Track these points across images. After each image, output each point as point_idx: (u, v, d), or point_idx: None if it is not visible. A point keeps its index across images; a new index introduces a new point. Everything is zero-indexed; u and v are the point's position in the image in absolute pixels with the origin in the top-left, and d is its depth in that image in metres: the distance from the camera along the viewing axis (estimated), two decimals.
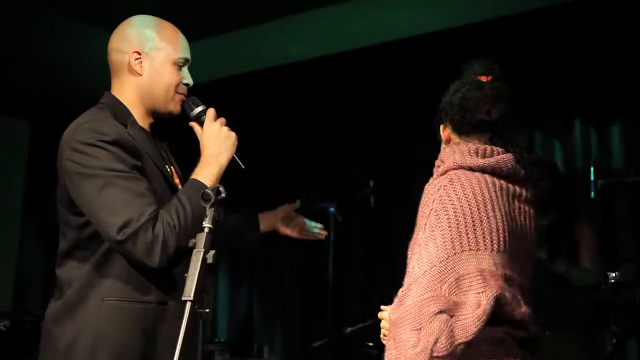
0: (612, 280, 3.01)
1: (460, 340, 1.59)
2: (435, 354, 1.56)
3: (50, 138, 6.04)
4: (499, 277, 1.70)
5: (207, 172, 1.94)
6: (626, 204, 3.83)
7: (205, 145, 1.98)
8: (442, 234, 1.69)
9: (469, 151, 1.81)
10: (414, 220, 4.83)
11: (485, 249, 1.71)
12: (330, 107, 4.91)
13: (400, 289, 1.70)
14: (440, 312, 1.61)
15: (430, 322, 1.59)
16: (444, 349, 1.57)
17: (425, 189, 1.80)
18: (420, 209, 1.76)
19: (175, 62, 2.03)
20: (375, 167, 4.62)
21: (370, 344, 3.95)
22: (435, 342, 1.57)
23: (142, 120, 2.04)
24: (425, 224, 1.72)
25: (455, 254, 1.68)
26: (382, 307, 1.93)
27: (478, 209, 1.72)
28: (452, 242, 1.69)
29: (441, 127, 1.94)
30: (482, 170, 1.79)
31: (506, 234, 1.74)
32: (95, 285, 1.88)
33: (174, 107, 2.05)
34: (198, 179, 1.93)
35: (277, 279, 4.94)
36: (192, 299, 1.54)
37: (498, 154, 1.82)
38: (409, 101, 4.53)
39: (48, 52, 5.08)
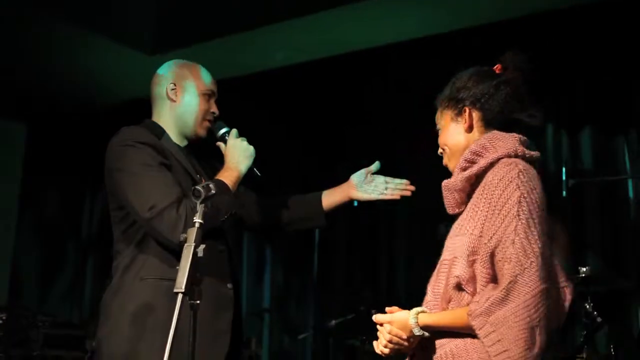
0: (582, 275, 3.02)
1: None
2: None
3: (45, 139, 6.09)
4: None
5: (228, 174, 2.14)
6: (595, 202, 3.85)
7: (228, 155, 2.20)
8: (535, 223, 1.58)
9: (519, 141, 1.72)
10: (394, 215, 4.80)
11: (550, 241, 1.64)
12: (319, 108, 4.91)
13: (503, 280, 1.55)
14: (549, 307, 1.53)
15: (545, 319, 1.52)
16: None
17: (491, 176, 1.66)
18: (497, 195, 1.62)
19: (204, 93, 2.27)
20: (358, 167, 4.62)
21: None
22: (547, 341, 1.51)
23: (176, 140, 2.26)
24: (519, 211, 1.58)
25: (545, 243, 1.59)
26: (387, 309, 1.77)
27: (544, 200, 1.63)
28: (542, 232, 1.58)
29: (466, 110, 1.79)
30: (530, 162, 1.71)
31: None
32: (134, 268, 2.07)
33: (202, 131, 2.27)
34: (220, 179, 2.11)
35: (264, 276, 4.93)
36: (182, 290, 1.55)
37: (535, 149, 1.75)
38: (390, 104, 4.54)
39: (46, 57, 5.04)
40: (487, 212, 1.63)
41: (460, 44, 4.28)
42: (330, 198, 2.41)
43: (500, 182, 1.63)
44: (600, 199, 3.84)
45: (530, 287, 1.52)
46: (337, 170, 4.41)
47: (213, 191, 1.64)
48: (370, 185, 2.42)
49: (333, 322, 4.09)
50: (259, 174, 2.25)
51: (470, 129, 1.79)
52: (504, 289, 1.53)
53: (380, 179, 2.43)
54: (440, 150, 1.88)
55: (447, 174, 1.87)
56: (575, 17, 3.99)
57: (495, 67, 1.83)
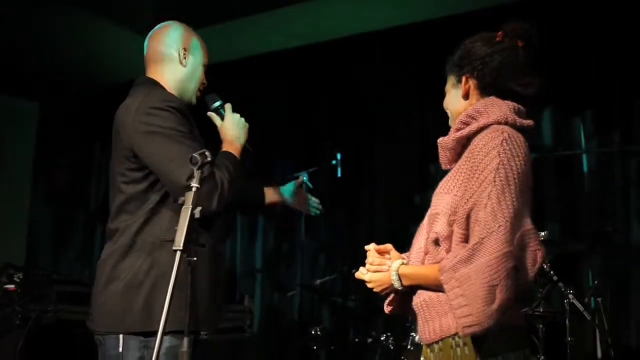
0: (542, 238, 3.03)
1: (516, 297, 1.51)
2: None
3: (56, 116, 6.05)
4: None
5: (234, 148, 2.09)
6: (553, 174, 3.88)
7: (227, 129, 2.12)
8: (510, 190, 1.53)
9: (513, 108, 1.65)
10: (374, 187, 4.80)
11: (529, 207, 1.61)
12: (305, 92, 4.88)
13: (471, 240, 1.53)
14: (514, 268, 1.49)
15: (507, 278, 1.48)
16: (510, 305, 1.49)
17: (477, 140, 1.61)
18: (479, 160, 1.57)
19: (204, 64, 2.19)
20: (341, 144, 4.63)
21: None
22: (509, 299, 1.47)
23: None
24: (495, 178, 1.53)
25: (519, 209, 1.54)
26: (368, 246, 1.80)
27: (527, 168, 1.58)
28: (517, 198, 1.53)
29: (463, 78, 1.72)
30: (521, 130, 1.64)
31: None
32: (149, 230, 1.96)
33: (194, 99, 2.19)
34: (230, 152, 2.07)
35: (257, 239, 4.94)
36: (181, 248, 1.55)
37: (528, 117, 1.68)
38: (370, 89, 4.53)
39: (55, 41, 4.98)
40: (468, 174, 1.60)
41: (447, 30, 4.26)
42: (269, 197, 2.40)
43: (483, 148, 1.58)
44: (558, 172, 3.87)
45: (494, 248, 1.49)
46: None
47: (208, 158, 1.63)
48: (299, 197, 2.46)
49: (318, 281, 4.13)
50: (251, 149, 2.18)
51: (466, 96, 1.72)
52: (470, 248, 1.51)
53: (306, 194, 2.51)
54: (445, 107, 1.82)
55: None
56: (536, 3, 3.98)
57: (497, 33, 1.74)
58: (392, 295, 1.77)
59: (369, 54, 4.60)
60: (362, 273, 1.78)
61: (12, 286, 3.57)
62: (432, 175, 4.01)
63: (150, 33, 2.20)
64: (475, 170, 1.57)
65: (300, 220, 4.40)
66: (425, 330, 1.65)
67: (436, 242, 1.63)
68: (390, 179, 4.36)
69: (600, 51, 3.81)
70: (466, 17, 4.18)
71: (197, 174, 1.62)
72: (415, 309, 1.69)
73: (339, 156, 3.90)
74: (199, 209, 1.58)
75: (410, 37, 4.41)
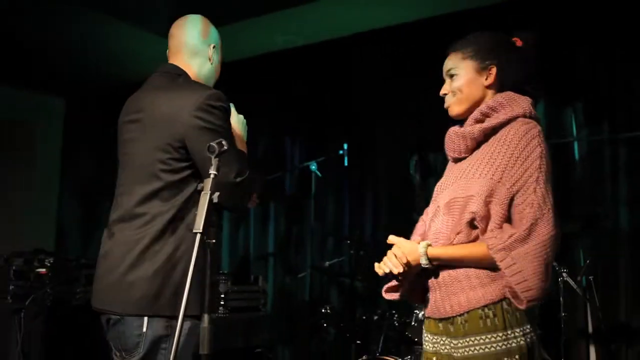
0: None
1: None
2: None
3: (81, 112, 6.06)
4: None
5: (242, 145, 2.09)
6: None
7: (234, 128, 2.08)
8: (549, 177, 1.60)
9: (532, 103, 1.70)
10: (377, 175, 4.77)
11: None
12: (313, 88, 4.87)
13: (525, 222, 1.55)
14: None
15: (554, 258, 1.55)
16: None
17: (512, 130, 1.64)
18: (521, 147, 1.61)
19: (222, 62, 2.16)
20: (347, 135, 4.63)
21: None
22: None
23: None
24: (540, 165, 1.59)
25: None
26: (390, 237, 1.75)
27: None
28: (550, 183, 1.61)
29: (494, 69, 1.72)
30: (537, 122, 1.69)
31: None
32: (183, 218, 1.91)
33: None
34: (243, 151, 2.07)
35: (268, 226, 4.95)
36: (201, 231, 1.55)
37: None
38: (375, 83, 4.51)
39: (80, 42, 4.98)
40: (508, 161, 1.61)
41: (439, 29, 4.25)
42: None
43: (523, 137, 1.61)
44: (551, 159, 3.85)
45: (548, 229, 1.54)
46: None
47: (225, 147, 1.63)
48: None
49: (327, 263, 4.13)
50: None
51: (491, 86, 1.73)
52: (526, 229, 1.54)
53: None
54: (445, 92, 1.79)
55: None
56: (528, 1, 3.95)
57: (514, 39, 1.77)
58: (393, 282, 1.78)
59: (370, 51, 4.58)
60: (393, 238, 1.75)
61: (43, 270, 3.59)
62: (430, 163, 4.02)
63: (183, 21, 2.09)
64: (518, 157, 1.60)
65: (310, 206, 4.40)
66: (447, 304, 1.65)
67: (471, 223, 1.63)
68: (391, 167, 4.35)
69: (590, 47, 3.79)
70: (455, 16, 4.17)
71: (214, 162, 1.62)
72: (433, 285, 1.69)
73: (345, 146, 3.90)
74: (217, 194, 1.58)
75: (407, 35, 4.40)
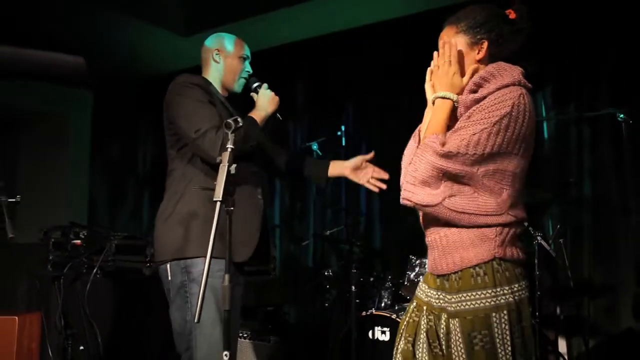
0: None
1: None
2: None
3: (108, 103, 6.02)
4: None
5: (257, 114, 2.12)
6: None
7: (259, 100, 2.18)
8: (502, 136, 1.43)
9: (522, 72, 1.54)
10: (373, 153, 4.65)
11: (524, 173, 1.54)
12: (315, 77, 4.79)
13: (449, 140, 1.45)
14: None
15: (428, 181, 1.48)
16: None
17: (495, 94, 1.48)
18: (490, 103, 1.46)
19: (240, 57, 2.24)
20: (345, 118, 4.58)
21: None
22: None
23: (220, 91, 2.23)
24: (497, 122, 1.43)
25: (494, 155, 1.45)
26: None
27: (532, 126, 1.49)
28: (500, 146, 1.44)
29: (485, 43, 1.57)
30: (528, 92, 1.52)
31: None
32: (184, 180, 2.04)
33: (237, 86, 2.25)
34: (251, 115, 2.11)
35: (275, 200, 4.89)
36: (220, 199, 1.49)
37: None
38: (375, 75, 4.44)
39: (106, 40, 4.89)
40: (474, 110, 1.50)
41: (427, 23, 4.16)
42: (333, 170, 2.34)
43: (499, 97, 1.46)
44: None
45: (458, 165, 1.45)
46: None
47: (240, 124, 1.56)
48: (361, 172, 2.32)
49: (327, 231, 4.09)
50: (280, 117, 2.22)
51: (482, 59, 1.58)
52: (445, 151, 1.45)
53: (370, 168, 2.31)
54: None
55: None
56: None
57: (507, 11, 1.61)
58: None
59: (366, 44, 4.50)
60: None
61: (78, 241, 3.56)
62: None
63: None
64: (484, 109, 1.47)
65: (312, 181, 4.35)
66: (443, 262, 1.56)
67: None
68: (384, 146, 4.29)
69: (557, 37, 3.70)
70: (445, 11, 4.06)
71: (231, 136, 1.55)
72: (432, 244, 1.61)
73: (343, 128, 3.86)
74: (234, 165, 1.52)
75: (401, 28, 4.31)
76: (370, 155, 2.33)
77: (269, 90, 2.19)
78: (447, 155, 1.45)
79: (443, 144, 1.46)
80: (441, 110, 1.55)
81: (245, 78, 2.26)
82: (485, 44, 1.58)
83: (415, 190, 1.49)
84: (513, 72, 1.53)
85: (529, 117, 1.48)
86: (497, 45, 1.59)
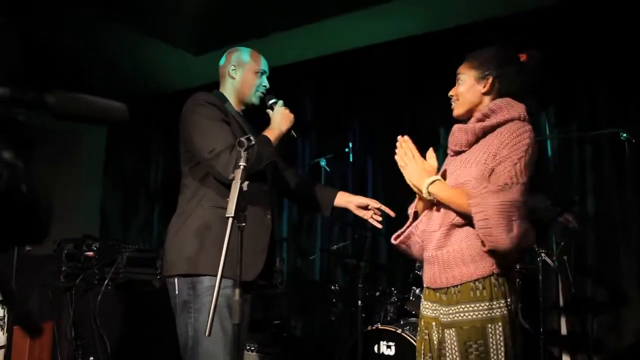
0: None
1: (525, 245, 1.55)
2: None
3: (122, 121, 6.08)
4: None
5: (271, 132, 2.07)
6: None
7: (273, 118, 2.13)
8: (528, 167, 1.55)
9: (525, 109, 1.66)
10: (378, 169, 4.70)
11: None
12: (326, 96, 4.80)
13: (500, 181, 1.50)
14: (526, 214, 1.51)
15: (523, 218, 1.50)
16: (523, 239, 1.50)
17: (508, 128, 1.59)
18: (512, 138, 1.56)
19: (257, 71, 2.19)
20: (352, 135, 4.59)
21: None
22: (523, 235, 1.49)
23: (235, 107, 2.18)
24: (526, 151, 1.54)
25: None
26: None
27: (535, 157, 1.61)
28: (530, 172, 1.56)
29: (490, 79, 1.69)
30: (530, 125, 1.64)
31: None
32: (196, 198, 2.01)
33: (255, 100, 2.19)
34: (265, 134, 2.06)
35: (283, 213, 4.88)
36: (232, 215, 1.49)
37: None
38: (380, 93, 4.45)
39: (123, 59, 4.96)
40: (499, 146, 1.58)
41: (432, 44, 4.17)
42: (340, 201, 2.31)
43: (516, 131, 1.58)
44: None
45: (518, 193, 1.49)
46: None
47: (253, 142, 1.56)
48: (367, 211, 2.31)
49: (334, 246, 4.07)
50: (294, 135, 2.19)
51: (487, 93, 1.71)
52: (500, 186, 1.49)
53: (372, 211, 2.29)
54: (451, 95, 1.77)
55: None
56: (509, 19, 3.88)
57: (521, 54, 1.73)
58: (405, 228, 1.76)
59: (371, 63, 4.52)
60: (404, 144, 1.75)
61: (91, 253, 3.56)
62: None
63: None
64: (508, 144, 1.57)
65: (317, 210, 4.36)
66: (443, 277, 1.61)
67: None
68: (390, 163, 4.29)
69: (561, 61, 3.70)
70: (446, 33, 4.10)
71: (243, 154, 1.55)
72: (431, 260, 1.65)
73: (350, 145, 3.86)
74: (247, 182, 1.52)
75: (405, 48, 4.33)
76: (380, 206, 2.27)
77: (283, 108, 2.15)
78: (503, 189, 1.51)
79: (486, 187, 1.53)
80: (443, 189, 1.64)
81: (262, 93, 2.21)
82: (490, 80, 1.70)
83: (497, 235, 1.48)
84: (518, 108, 1.65)
85: (535, 151, 1.61)
86: (501, 82, 1.69)
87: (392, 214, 2.25)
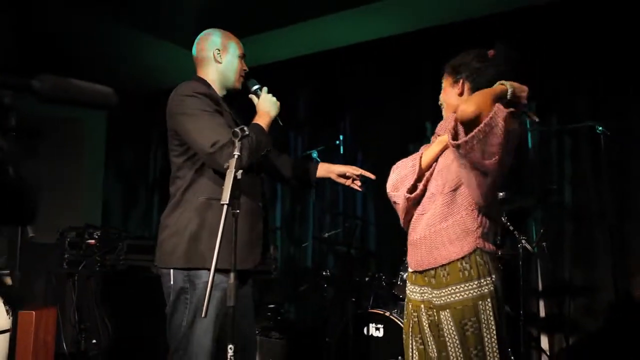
0: (500, 197, 2.96)
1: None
2: None
3: (121, 113, 6.02)
4: None
5: (262, 120, 1.99)
6: None
7: (261, 105, 2.04)
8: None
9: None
10: (367, 162, 4.73)
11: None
12: (318, 91, 4.78)
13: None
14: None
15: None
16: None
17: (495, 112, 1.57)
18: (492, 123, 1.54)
19: (240, 55, 2.10)
20: (343, 128, 4.59)
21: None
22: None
23: (218, 92, 2.07)
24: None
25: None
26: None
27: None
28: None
29: (460, 81, 1.74)
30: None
31: None
32: (192, 189, 1.93)
33: (238, 85, 2.10)
34: (258, 122, 1.98)
35: (276, 203, 4.88)
36: (227, 202, 1.48)
37: None
38: (370, 88, 4.44)
39: (121, 56, 4.92)
40: None
41: (419, 42, 4.17)
42: (321, 171, 2.28)
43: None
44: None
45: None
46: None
47: (247, 132, 1.55)
48: (347, 179, 2.28)
49: (326, 234, 4.08)
50: (281, 123, 2.10)
51: (461, 94, 1.74)
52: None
53: (352, 176, 2.27)
54: (440, 102, 1.83)
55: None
56: (493, 20, 3.89)
57: (489, 51, 1.74)
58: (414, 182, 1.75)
59: (361, 60, 4.51)
60: None
61: (92, 241, 3.55)
62: (410, 152, 3.97)
63: (195, 41, 2.13)
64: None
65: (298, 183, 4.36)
66: (431, 257, 1.63)
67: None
68: (379, 155, 4.29)
69: (542, 56, 3.73)
70: (432, 30, 4.11)
71: (238, 144, 1.55)
72: (418, 242, 1.67)
73: (341, 137, 3.86)
74: (240, 171, 1.51)
75: (390, 47, 4.33)
76: (360, 171, 2.24)
77: (270, 95, 2.07)
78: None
79: None
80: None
81: (242, 77, 2.11)
82: (461, 82, 1.75)
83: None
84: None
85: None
86: (472, 81, 1.73)
87: (372, 176, 2.24)
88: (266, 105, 2.03)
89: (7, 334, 1.90)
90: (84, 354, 3.34)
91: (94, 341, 3.36)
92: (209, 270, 1.60)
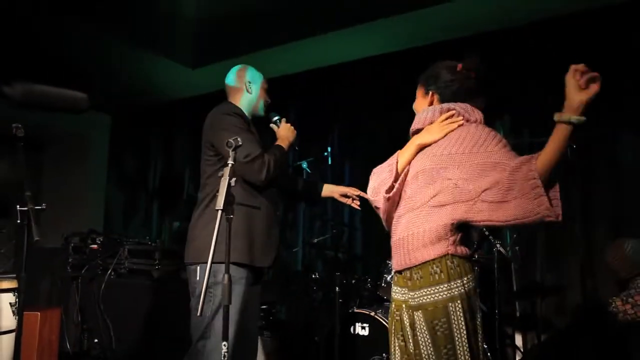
0: None
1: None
2: None
3: (123, 125, 6.02)
4: None
5: (283, 143, 2.24)
6: None
7: (282, 132, 2.29)
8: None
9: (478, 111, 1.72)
10: (355, 172, 4.72)
11: None
12: (308, 105, 4.83)
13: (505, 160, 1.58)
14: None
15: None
16: None
17: (473, 127, 1.65)
18: (486, 134, 1.62)
19: (264, 88, 2.37)
20: (331, 140, 4.62)
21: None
22: None
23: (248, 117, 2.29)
24: (503, 143, 1.63)
25: None
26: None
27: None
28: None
29: (430, 92, 1.77)
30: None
31: None
32: (211, 198, 2.08)
33: (262, 112, 2.35)
34: (279, 144, 2.23)
35: None
36: (221, 208, 1.51)
37: None
38: (358, 103, 4.49)
39: (125, 72, 4.92)
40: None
41: (406, 61, 4.22)
42: (326, 191, 2.50)
43: (482, 130, 1.64)
44: None
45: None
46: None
47: (240, 143, 1.58)
48: (348, 199, 2.50)
49: (315, 240, 4.09)
50: (297, 148, 2.40)
51: (430, 104, 1.77)
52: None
53: (351, 197, 2.49)
54: (414, 109, 1.85)
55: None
56: (472, 40, 3.96)
57: (458, 64, 1.77)
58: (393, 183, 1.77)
59: (348, 77, 4.57)
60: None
61: (95, 246, 3.54)
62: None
63: (229, 73, 2.38)
64: (487, 141, 1.65)
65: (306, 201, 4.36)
66: (407, 258, 1.64)
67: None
68: (364, 166, 4.33)
69: (514, 74, 3.80)
70: (415, 50, 4.17)
71: (232, 154, 1.57)
72: (399, 243, 1.68)
73: (329, 149, 3.89)
74: (234, 179, 1.55)
75: (377, 65, 4.39)
76: (359, 193, 2.44)
77: (288, 124, 2.31)
78: None
79: None
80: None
81: (267, 105, 2.36)
82: (431, 93, 1.77)
83: None
84: (477, 113, 1.72)
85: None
86: (443, 92, 1.74)
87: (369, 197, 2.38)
88: (285, 133, 2.28)
89: (13, 334, 1.90)
90: (86, 352, 3.32)
91: (96, 340, 3.34)
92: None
